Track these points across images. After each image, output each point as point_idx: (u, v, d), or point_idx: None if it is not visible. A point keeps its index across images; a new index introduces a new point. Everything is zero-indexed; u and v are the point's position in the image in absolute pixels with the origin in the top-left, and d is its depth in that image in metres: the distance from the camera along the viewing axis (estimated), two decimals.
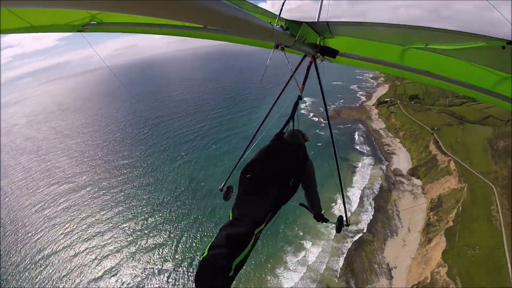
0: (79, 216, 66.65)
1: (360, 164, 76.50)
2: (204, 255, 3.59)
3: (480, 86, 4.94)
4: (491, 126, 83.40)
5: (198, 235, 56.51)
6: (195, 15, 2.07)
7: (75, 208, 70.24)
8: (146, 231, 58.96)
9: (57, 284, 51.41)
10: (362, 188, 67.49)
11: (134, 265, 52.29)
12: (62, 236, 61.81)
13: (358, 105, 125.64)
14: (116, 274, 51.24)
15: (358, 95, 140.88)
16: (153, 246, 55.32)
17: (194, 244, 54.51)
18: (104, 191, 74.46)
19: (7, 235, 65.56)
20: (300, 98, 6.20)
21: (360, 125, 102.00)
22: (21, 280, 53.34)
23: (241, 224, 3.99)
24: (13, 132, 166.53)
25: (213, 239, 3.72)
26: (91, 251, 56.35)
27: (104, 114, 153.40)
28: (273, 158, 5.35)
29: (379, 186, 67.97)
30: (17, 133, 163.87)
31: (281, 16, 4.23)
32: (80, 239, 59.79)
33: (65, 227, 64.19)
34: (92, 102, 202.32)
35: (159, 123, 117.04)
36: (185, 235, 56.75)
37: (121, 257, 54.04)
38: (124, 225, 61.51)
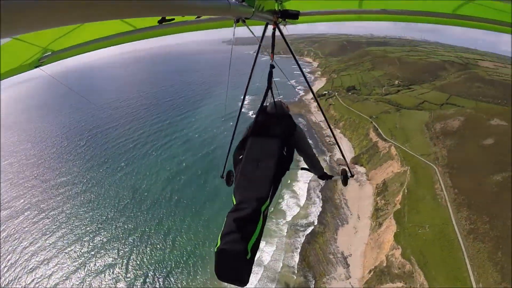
0: (21, 245, 61.80)
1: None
2: (218, 245, 3.73)
3: (441, 12, 4.84)
4: (427, 111, 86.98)
5: (147, 249, 54.69)
6: (156, 6, 2.00)
7: (15, 236, 65.14)
8: (93, 252, 56.04)
9: None
10: (307, 182, 68.28)
11: None
12: (6, 269, 57.10)
13: (297, 99, 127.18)
14: None
15: (296, 90, 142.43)
16: (103, 267, 52.69)
17: (145, 260, 52.73)
18: (44, 214, 69.54)
19: None
20: (272, 67, 6.16)
21: (300, 119, 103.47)
22: None
23: (245, 205, 4.15)
24: None
25: (222, 228, 3.92)
26: (38, 283, 52.52)
27: (38, 128, 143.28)
28: (261, 132, 5.39)
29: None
30: None
31: None
32: (25, 270, 55.50)
33: (7, 259, 59.24)
34: (25, 116, 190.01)
35: (97, 134, 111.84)
36: (135, 250, 54.68)
37: (71, 284, 51.01)
38: (69, 249, 57.91)
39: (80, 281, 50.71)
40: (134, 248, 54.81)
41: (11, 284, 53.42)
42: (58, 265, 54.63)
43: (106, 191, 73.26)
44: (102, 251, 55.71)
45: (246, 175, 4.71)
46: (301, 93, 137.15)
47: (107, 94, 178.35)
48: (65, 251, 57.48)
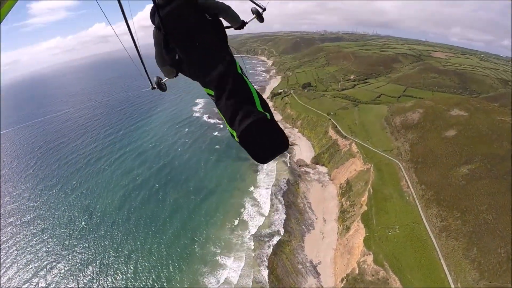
0: None
1: None
2: (235, 133, 3.81)
3: None
4: (385, 104, 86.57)
5: (108, 278, 50.48)
6: None
7: None
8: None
9: None
10: (268, 187, 65.78)
11: None
12: None
13: None
14: None
15: None
16: None
17: None
18: None
19: None
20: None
21: None
22: None
23: (221, 84, 4.10)
24: None
25: (226, 119, 3.95)
26: None
27: None
28: (174, 20, 4.67)
29: (285, 181, 67.26)
30: None
31: None
32: None
33: None
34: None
35: (47, 151, 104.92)
36: (95, 281, 50.49)
37: None
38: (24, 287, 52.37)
39: None
40: (95, 279, 50.62)
41: None
42: None
43: (60, 216, 67.78)
44: (62, 284, 51.05)
45: (194, 61, 4.53)
46: None
47: (58, 106, 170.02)
48: None
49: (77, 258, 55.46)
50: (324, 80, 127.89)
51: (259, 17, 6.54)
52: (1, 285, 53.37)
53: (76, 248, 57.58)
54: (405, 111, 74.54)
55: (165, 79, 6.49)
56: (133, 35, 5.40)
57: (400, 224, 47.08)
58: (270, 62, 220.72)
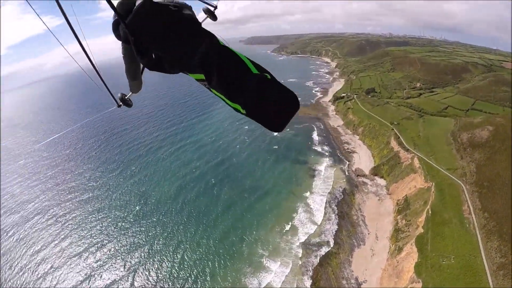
0: (30, 251, 60.44)
1: (319, 167, 74.10)
2: (240, 106, 3.72)
3: None
4: (451, 117, 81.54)
5: (155, 265, 51.71)
6: None
7: (25, 241, 64.03)
8: (100, 263, 53.77)
9: None
10: (324, 194, 64.07)
11: None
12: (14, 273, 55.89)
13: (314, 102, 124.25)
14: None
15: (314, 91, 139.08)
16: (108, 281, 50.15)
17: (150, 278, 49.60)
18: (53, 220, 68.30)
19: None
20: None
21: (317, 123, 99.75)
22: None
23: (208, 63, 3.92)
24: None
25: (225, 98, 3.89)
26: None
27: (54, 129, 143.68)
28: (139, 20, 4.37)
29: (341, 190, 65.20)
30: None
31: None
32: (32, 277, 53.83)
33: (16, 263, 58.11)
34: (42, 116, 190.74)
35: (111, 136, 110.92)
36: (142, 265, 52.05)
37: None
38: (76, 259, 55.74)
39: None
40: (142, 262, 52.35)
41: None
42: (64, 275, 52.77)
43: (116, 198, 71.35)
44: (109, 263, 53.46)
45: (174, 52, 4.18)
46: (319, 94, 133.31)
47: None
48: (72, 260, 55.58)
49: (127, 240, 57.88)
50: (388, 87, 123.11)
51: (212, 16, 6.35)
52: (54, 254, 57.47)
53: (128, 231, 60.16)
54: (473, 127, 69.25)
55: (129, 94, 6.45)
56: (85, 48, 4.98)
57: (456, 254, 42.95)
58: (334, 64, 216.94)
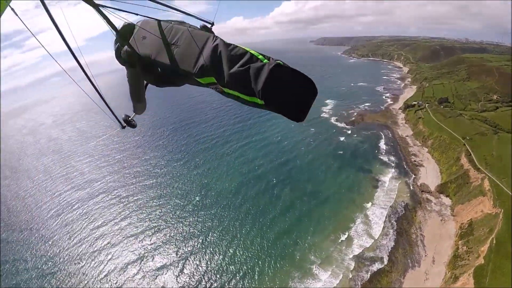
0: (90, 225, 65.29)
1: (384, 178, 70.97)
2: (257, 99, 3.63)
3: None
4: None
5: (206, 256, 52.84)
6: None
7: (87, 216, 69.21)
8: (153, 247, 56.36)
9: None
10: (384, 207, 61.62)
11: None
12: (73, 243, 60.83)
13: (383, 108, 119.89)
14: None
15: (384, 97, 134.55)
16: (159, 264, 52.41)
17: (200, 267, 50.81)
18: (116, 200, 73.24)
19: (19, 236, 66.77)
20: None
21: (385, 131, 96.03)
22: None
23: (216, 62, 4.07)
24: (39, 132, 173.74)
25: (241, 94, 3.88)
26: (97, 263, 54.49)
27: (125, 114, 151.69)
28: (141, 39, 5.26)
29: (403, 205, 62.19)
30: (42, 132, 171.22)
31: None
32: (89, 249, 58.08)
33: (76, 235, 63.25)
34: (116, 102, 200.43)
35: (180, 127, 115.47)
36: (193, 254, 53.45)
37: (125, 273, 51.47)
38: (132, 239, 59.05)
39: (134, 272, 51.24)
40: (194, 252, 53.78)
41: (74, 258, 56.66)
42: (118, 252, 56.10)
43: (178, 187, 73.83)
44: (163, 247, 55.75)
45: (182, 59, 4.59)
46: (389, 101, 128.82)
47: (196, 88, 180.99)
48: (128, 240, 59.02)
49: (183, 228, 59.79)
50: (463, 97, 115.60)
51: (209, 31, 6.12)
52: (113, 232, 61.63)
53: (185, 220, 62.10)
54: None
55: (133, 115, 6.75)
56: (87, 72, 5.37)
57: None
58: (406, 69, 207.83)
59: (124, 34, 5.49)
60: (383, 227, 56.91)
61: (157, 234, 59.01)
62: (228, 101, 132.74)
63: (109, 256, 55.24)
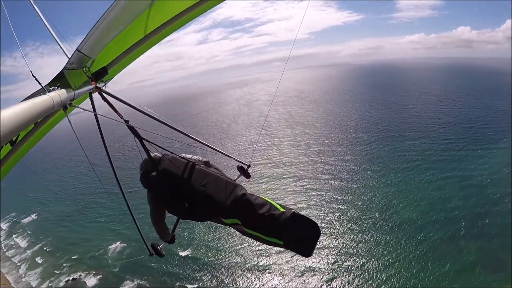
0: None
1: None
2: (277, 240, 4.82)
3: None
4: None
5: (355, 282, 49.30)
6: None
7: (273, 192, 73.71)
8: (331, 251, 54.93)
9: None
10: None
11: None
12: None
13: None
14: None
15: None
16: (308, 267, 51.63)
17: None
18: (300, 188, 75.16)
19: None
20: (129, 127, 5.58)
21: None
22: None
23: (241, 207, 5.03)
24: (253, 106, 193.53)
25: (261, 234, 4.93)
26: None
27: (333, 111, 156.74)
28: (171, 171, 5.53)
29: None
30: (256, 107, 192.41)
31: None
32: None
33: None
34: (329, 96, 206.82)
35: (385, 137, 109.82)
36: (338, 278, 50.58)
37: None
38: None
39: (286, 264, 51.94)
40: (339, 272, 50.66)
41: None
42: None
43: (362, 198, 70.43)
44: (322, 253, 54.04)
45: (208, 199, 5.10)
46: None
47: (408, 99, 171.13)
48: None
49: (347, 241, 57.08)
50: None
51: (245, 174, 7.26)
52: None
53: (353, 233, 59.04)
54: None
55: (162, 244, 6.53)
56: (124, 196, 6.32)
57: None
58: None
59: (156, 163, 5.69)
60: None
61: (322, 236, 56.54)
62: (442, 122, 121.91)
63: None
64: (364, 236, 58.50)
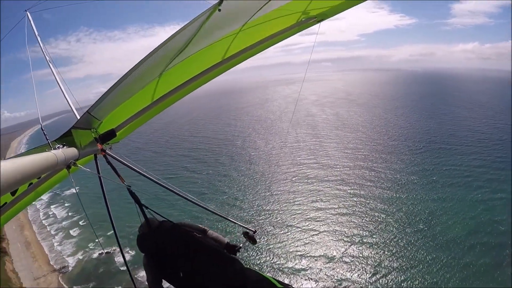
0: (313, 204, 68.37)
1: None
2: None
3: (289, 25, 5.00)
4: None
5: None
6: None
7: (314, 193, 73.44)
8: (346, 251, 54.12)
9: None
10: None
11: None
12: (289, 210, 65.85)
13: None
14: None
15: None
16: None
17: None
18: (343, 193, 73.75)
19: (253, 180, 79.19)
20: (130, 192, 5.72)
21: None
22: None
23: (239, 282, 4.92)
24: (300, 104, 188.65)
25: None
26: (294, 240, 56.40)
27: (384, 116, 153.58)
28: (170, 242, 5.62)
29: None
30: (303, 105, 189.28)
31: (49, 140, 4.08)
32: (298, 224, 60.82)
33: (295, 204, 68.22)
34: (379, 101, 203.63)
35: (433, 148, 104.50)
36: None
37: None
38: (337, 234, 58.36)
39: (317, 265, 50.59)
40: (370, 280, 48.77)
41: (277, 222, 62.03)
42: (319, 239, 57.37)
43: (404, 209, 67.34)
44: (356, 260, 52.66)
45: (203, 273, 5.08)
46: None
47: (459, 109, 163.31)
48: (334, 234, 58.97)
49: (382, 253, 54.79)
50: None
51: (251, 240, 6.89)
52: (325, 219, 62.99)
53: (396, 248, 56.13)
54: None
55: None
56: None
57: None
58: None
59: (154, 229, 5.75)
60: None
61: (362, 246, 56.29)
62: (497, 140, 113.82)
63: (310, 239, 57.06)
64: (407, 251, 55.84)
